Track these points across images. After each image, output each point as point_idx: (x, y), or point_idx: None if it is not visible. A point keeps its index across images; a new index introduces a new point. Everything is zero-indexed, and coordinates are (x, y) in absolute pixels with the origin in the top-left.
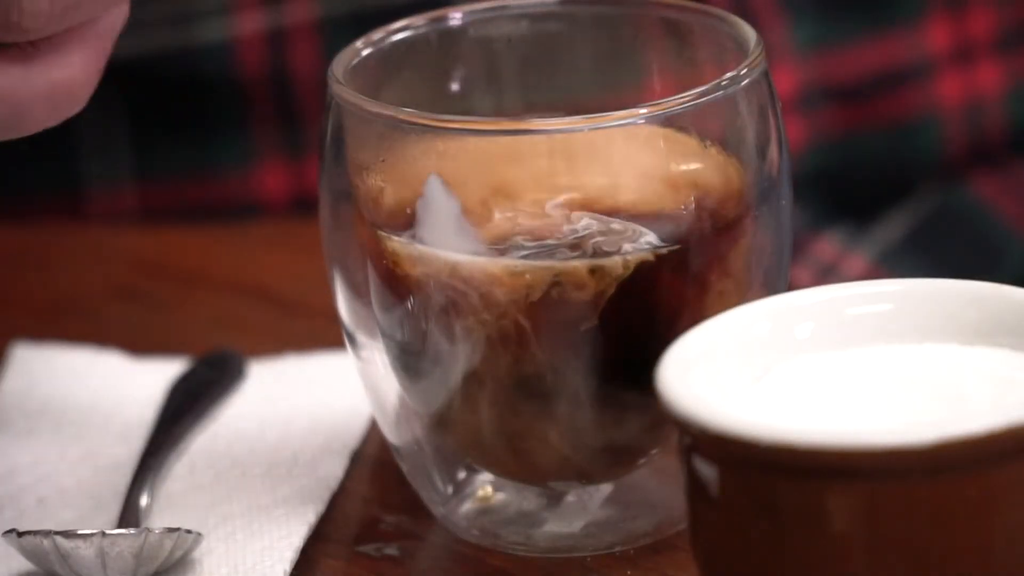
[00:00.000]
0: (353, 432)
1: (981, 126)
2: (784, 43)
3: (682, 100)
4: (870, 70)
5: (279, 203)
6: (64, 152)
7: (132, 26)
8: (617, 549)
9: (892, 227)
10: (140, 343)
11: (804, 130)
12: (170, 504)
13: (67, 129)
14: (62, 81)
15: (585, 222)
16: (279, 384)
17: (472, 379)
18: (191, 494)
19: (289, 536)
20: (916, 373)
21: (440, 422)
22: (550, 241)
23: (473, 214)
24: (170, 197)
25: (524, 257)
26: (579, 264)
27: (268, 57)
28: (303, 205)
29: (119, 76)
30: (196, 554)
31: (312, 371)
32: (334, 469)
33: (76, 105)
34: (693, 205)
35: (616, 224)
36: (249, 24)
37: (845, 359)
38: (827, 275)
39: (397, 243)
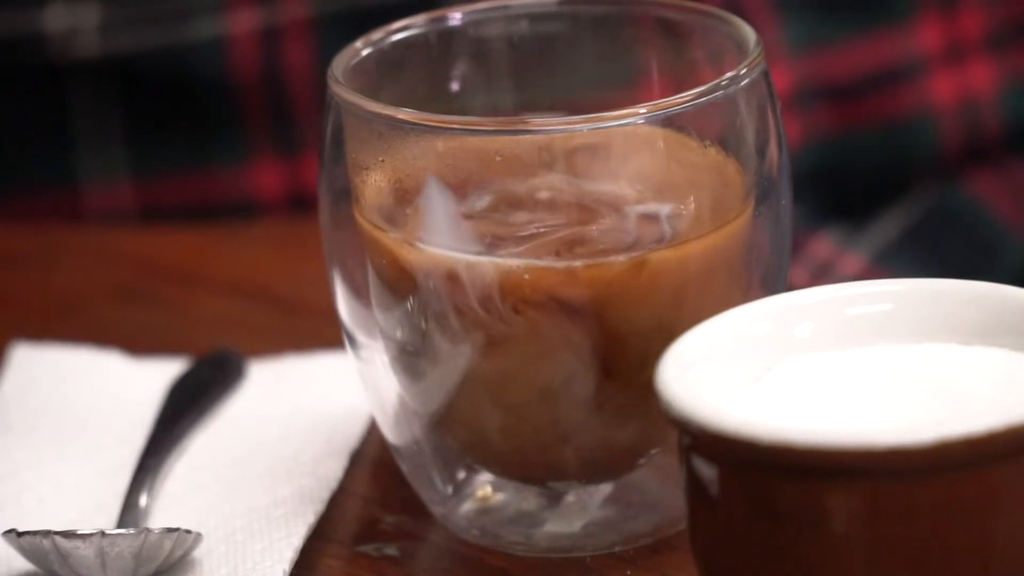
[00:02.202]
0: (353, 432)
1: (976, 124)
2: (777, 43)
3: (682, 100)
4: (863, 69)
5: (274, 200)
6: (59, 149)
7: (127, 24)
8: (617, 549)
9: (888, 226)
10: (140, 343)
11: (798, 129)
12: (170, 504)
13: (62, 126)
14: None
15: (584, 222)
16: (279, 384)
17: (472, 379)
18: (191, 494)
19: (289, 536)
20: (916, 373)
21: (440, 422)
22: (549, 241)
23: (472, 214)
24: (166, 194)
25: (523, 257)
26: (578, 264)
27: (262, 55)
28: (298, 203)
29: (114, 74)
30: (196, 554)
31: (312, 371)
32: (334, 469)
33: None
34: (693, 205)
35: (615, 224)
36: (243, 22)
37: (845, 359)
38: (823, 274)
39: (397, 243)
